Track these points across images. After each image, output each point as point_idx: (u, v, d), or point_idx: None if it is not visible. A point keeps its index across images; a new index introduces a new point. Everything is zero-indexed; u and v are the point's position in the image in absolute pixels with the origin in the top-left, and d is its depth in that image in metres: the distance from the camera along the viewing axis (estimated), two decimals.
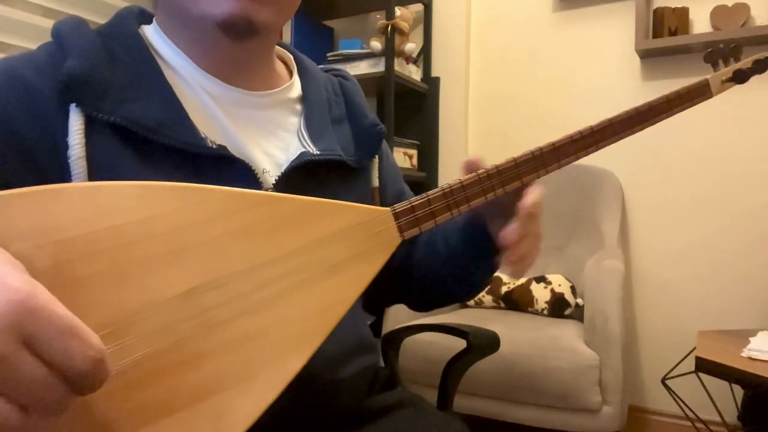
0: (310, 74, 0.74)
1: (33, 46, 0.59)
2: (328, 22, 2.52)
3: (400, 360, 0.97)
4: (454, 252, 0.69)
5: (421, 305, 0.82)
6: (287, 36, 2.29)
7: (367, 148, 0.72)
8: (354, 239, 0.51)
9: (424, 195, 0.55)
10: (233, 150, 0.59)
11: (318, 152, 0.64)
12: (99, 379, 0.34)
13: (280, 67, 0.73)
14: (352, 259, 0.51)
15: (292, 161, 0.62)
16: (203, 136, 0.58)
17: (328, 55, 2.23)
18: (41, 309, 0.32)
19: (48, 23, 1.55)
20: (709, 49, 0.69)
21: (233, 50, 0.61)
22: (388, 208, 0.54)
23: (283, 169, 0.62)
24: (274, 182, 0.61)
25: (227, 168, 0.58)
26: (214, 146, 0.58)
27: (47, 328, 0.31)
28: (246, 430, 0.44)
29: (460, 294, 0.76)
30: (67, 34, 0.57)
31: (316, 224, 0.50)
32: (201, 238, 0.46)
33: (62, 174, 0.52)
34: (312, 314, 0.48)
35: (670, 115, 0.66)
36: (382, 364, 0.86)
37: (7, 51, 1.55)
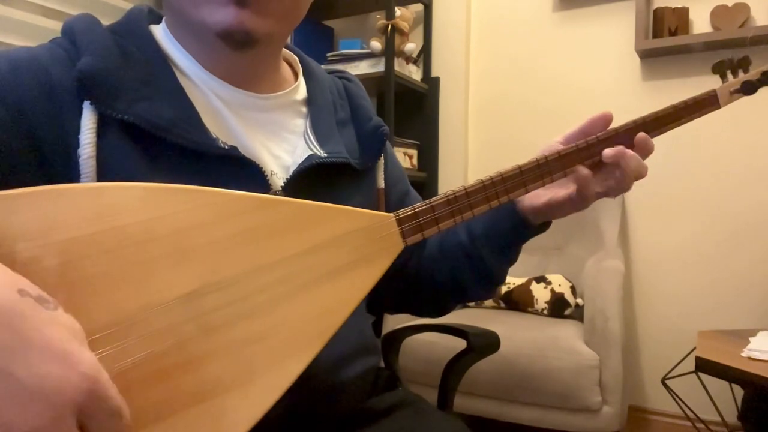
0: (315, 77, 0.74)
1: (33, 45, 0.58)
2: (328, 22, 2.52)
3: (400, 360, 0.97)
4: (480, 236, 0.70)
5: (429, 308, 0.82)
6: None
7: (371, 150, 0.72)
8: (356, 244, 0.51)
9: (427, 201, 0.55)
10: (243, 151, 0.59)
11: (325, 155, 0.64)
12: None
13: (285, 69, 0.72)
14: (354, 263, 0.51)
15: (300, 164, 0.62)
16: (214, 137, 0.58)
17: (328, 55, 2.23)
18: (102, 398, 0.36)
19: (48, 23, 1.55)
20: (718, 60, 0.68)
21: (236, 57, 0.61)
22: (392, 214, 0.53)
23: (291, 172, 0.61)
24: (282, 185, 0.61)
25: (237, 169, 0.58)
26: (226, 147, 0.57)
27: (101, 413, 0.36)
28: None
29: (477, 287, 0.75)
30: (81, 31, 0.57)
31: (319, 228, 0.50)
32: (203, 240, 0.46)
33: (68, 169, 0.52)
34: (313, 318, 0.48)
35: (677, 126, 0.65)
36: (382, 364, 0.86)
37: None
